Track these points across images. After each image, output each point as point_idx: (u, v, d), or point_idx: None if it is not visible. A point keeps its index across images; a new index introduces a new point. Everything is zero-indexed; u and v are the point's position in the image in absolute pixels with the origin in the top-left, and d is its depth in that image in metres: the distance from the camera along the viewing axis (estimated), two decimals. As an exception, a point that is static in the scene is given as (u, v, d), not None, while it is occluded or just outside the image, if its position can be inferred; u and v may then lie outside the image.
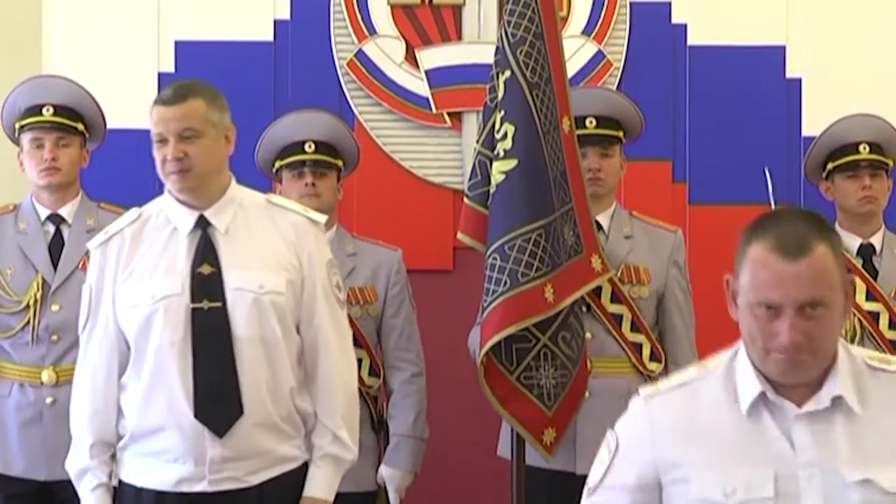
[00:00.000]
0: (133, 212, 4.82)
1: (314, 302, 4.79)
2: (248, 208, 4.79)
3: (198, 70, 6.36)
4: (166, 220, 4.75)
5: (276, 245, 4.76)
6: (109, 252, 4.73)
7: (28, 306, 5.71)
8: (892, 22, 6.82)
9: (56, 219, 5.79)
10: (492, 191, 5.57)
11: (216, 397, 4.60)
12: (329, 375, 4.76)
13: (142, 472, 4.64)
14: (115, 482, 5.05)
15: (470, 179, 5.75)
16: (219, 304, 4.65)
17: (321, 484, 4.70)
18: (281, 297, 4.69)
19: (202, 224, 4.69)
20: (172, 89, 4.72)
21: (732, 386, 3.34)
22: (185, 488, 4.61)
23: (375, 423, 5.77)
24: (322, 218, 4.94)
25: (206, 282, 4.67)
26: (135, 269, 4.69)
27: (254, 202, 4.82)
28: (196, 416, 4.54)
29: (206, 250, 4.70)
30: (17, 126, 5.79)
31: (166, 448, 4.58)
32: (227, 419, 4.60)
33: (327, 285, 4.81)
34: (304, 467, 4.81)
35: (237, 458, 4.64)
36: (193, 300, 4.63)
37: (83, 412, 4.72)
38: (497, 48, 5.67)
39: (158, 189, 5.89)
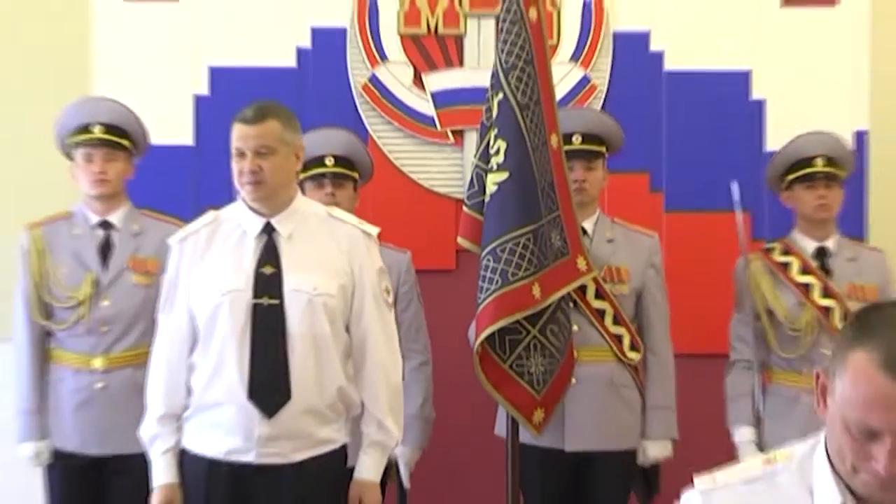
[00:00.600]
0: (210, 214, 4.95)
1: (363, 305, 4.91)
2: (310, 219, 4.91)
3: (229, 93, 6.54)
4: (237, 224, 4.88)
5: (331, 252, 4.88)
6: (186, 248, 4.88)
7: (81, 302, 5.77)
8: (844, 49, 6.73)
9: (105, 225, 5.85)
10: (486, 200, 5.67)
11: (268, 383, 4.73)
12: (375, 370, 4.89)
13: (200, 441, 4.78)
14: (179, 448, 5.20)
15: (468, 190, 5.82)
16: (277, 302, 4.78)
17: (369, 468, 4.86)
18: (332, 300, 4.82)
19: (268, 229, 4.83)
20: (253, 110, 4.83)
21: (808, 488, 2.81)
22: (234, 458, 4.73)
23: None
24: (375, 230, 5.03)
25: (268, 281, 4.80)
26: (207, 265, 4.84)
27: (315, 213, 4.96)
28: (249, 397, 4.68)
29: (269, 253, 4.83)
30: (68, 142, 5.83)
31: (222, 422, 4.72)
32: (275, 403, 4.73)
33: (377, 290, 4.93)
34: (343, 449, 4.91)
35: (282, 437, 4.76)
36: (255, 296, 4.77)
37: (157, 386, 4.86)
38: (492, 73, 5.73)
39: (194, 198, 6.23)
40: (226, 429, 4.74)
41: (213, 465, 4.77)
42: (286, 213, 4.87)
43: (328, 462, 4.86)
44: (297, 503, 4.92)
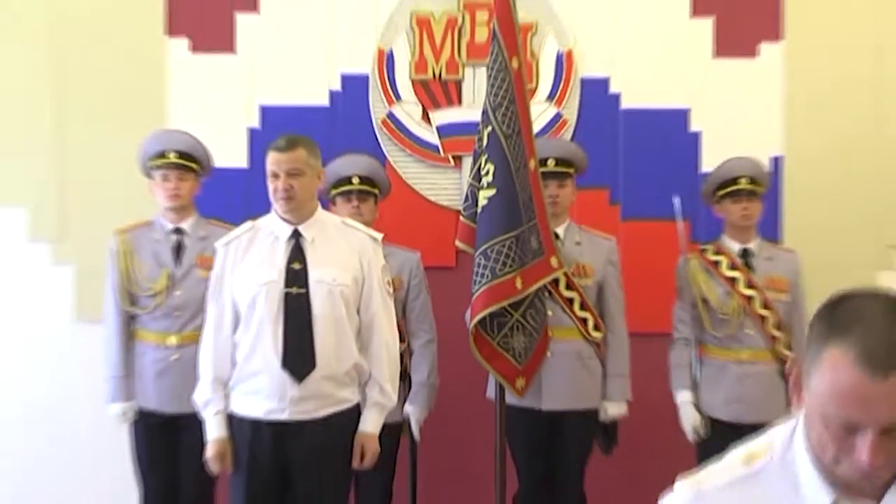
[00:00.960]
0: (248, 223, 5.02)
1: (371, 294, 4.97)
2: (328, 226, 4.98)
3: (276, 125, 6.44)
4: (271, 230, 4.94)
5: (345, 252, 4.95)
6: (230, 250, 4.96)
7: (159, 292, 5.81)
8: (762, 92, 6.61)
9: (178, 231, 5.87)
10: (478, 211, 5.64)
11: (297, 355, 4.80)
12: (380, 346, 4.96)
13: (244, 406, 4.87)
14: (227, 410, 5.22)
15: (464, 203, 5.80)
16: (304, 291, 4.85)
17: (370, 423, 4.92)
18: (347, 289, 4.88)
19: (296, 235, 4.91)
20: (285, 140, 4.89)
21: (793, 484, 2.38)
22: (273, 417, 4.81)
23: (401, 374, 5.55)
24: (379, 236, 5.09)
25: (296, 274, 4.86)
26: (247, 263, 4.91)
27: (333, 222, 5.02)
28: (283, 366, 4.78)
29: (297, 252, 4.90)
30: (149, 165, 5.82)
31: (261, 388, 4.81)
32: (303, 371, 4.81)
33: (381, 282, 4.98)
34: (357, 406, 4.98)
35: (309, 398, 4.83)
36: (286, 286, 4.84)
37: (207, 358, 4.94)
38: (483, 110, 5.71)
39: (247, 209, 6.13)
40: (264, 394, 4.81)
41: (255, 425, 4.84)
42: (310, 222, 4.93)
43: (346, 416, 4.93)
44: (323, 450, 4.94)
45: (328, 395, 4.87)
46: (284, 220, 4.93)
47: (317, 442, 4.94)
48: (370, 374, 4.97)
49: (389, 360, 5.00)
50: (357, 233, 5.04)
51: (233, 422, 4.93)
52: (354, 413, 4.96)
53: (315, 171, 4.96)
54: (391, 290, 5.09)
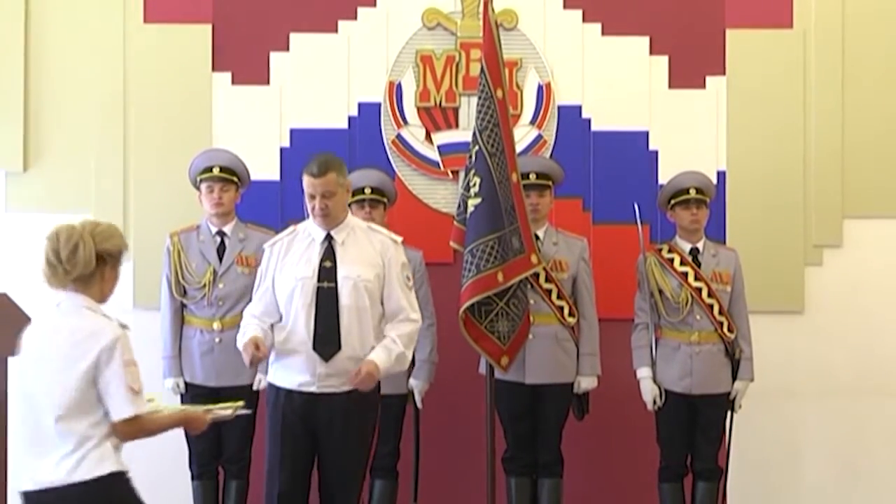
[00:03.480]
0: (291, 228, 5.03)
1: (391, 287, 4.91)
2: (357, 230, 4.96)
3: (304, 145, 6.36)
4: (308, 234, 4.94)
5: (370, 252, 4.92)
6: (274, 250, 4.95)
7: (204, 285, 5.82)
8: (710, 117, 6.55)
9: (221, 233, 5.88)
10: (467, 217, 5.72)
11: (326, 339, 4.80)
12: (405, 321, 4.88)
13: (281, 377, 4.88)
14: (265, 384, 5.27)
15: (457, 210, 5.89)
16: (333, 285, 4.84)
17: (375, 354, 4.78)
18: (370, 283, 4.85)
19: (328, 238, 4.88)
20: (317, 165, 4.85)
21: None
22: (303, 389, 4.82)
23: None
24: (399, 238, 5.05)
25: (327, 271, 4.86)
26: (288, 261, 4.90)
27: (359, 226, 4.99)
28: (313, 348, 4.78)
29: (329, 253, 4.88)
30: (197, 178, 5.84)
31: (294, 364, 4.84)
32: (330, 352, 4.81)
33: (401, 277, 4.94)
34: (378, 384, 4.94)
35: (334, 375, 4.82)
36: (318, 281, 4.84)
37: (253, 313, 4.89)
38: (472, 133, 5.78)
39: (279, 215, 6.20)
40: (297, 369, 4.83)
41: (289, 393, 4.85)
42: (340, 227, 4.90)
43: (366, 392, 4.88)
44: (345, 417, 4.92)
45: (350, 373, 4.86)
46: (319, 226, 4.92)
47: (340, 410, 4.91)
48: (393, 331, 4.92)
49: (408, 331, 4.91)
50: (380, 235, 5.02)
51: (270, 390, 4.96)
52: (375, 388, 4.93)
53: (345, 188, 4.96)
54: (411, 283, 5.04)
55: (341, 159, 5.01)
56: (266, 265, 4.97)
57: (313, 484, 4.97)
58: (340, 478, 4.97)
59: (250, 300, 5.20)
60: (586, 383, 5.91)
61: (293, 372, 4.85)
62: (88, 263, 3.80)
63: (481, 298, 5.67)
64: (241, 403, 4.35)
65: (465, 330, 5.72)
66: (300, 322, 4.82)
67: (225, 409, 4.27)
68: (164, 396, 5.08)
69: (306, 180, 4.85)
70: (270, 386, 4.95)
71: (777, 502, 6.58)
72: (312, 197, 4.85)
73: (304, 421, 4.85)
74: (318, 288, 4.84)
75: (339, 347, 4.81)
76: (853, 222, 6.43)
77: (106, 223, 3.93)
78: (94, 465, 3.79)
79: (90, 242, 3.81)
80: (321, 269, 4.87)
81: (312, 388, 4.84)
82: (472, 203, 5.71)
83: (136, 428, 3.84)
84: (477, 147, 5.74)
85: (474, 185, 5.72)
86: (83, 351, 3.77)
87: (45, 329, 3.86)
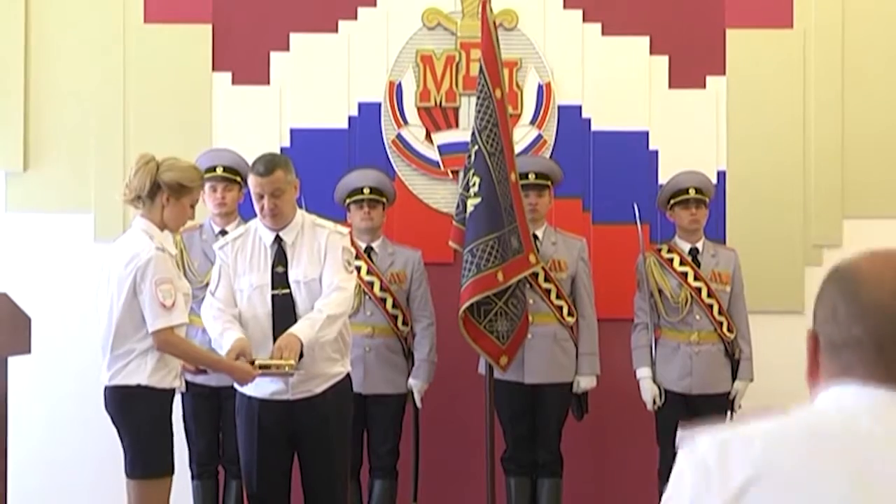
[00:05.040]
0: (242, 228, 5.04)
1: (326, 268, 4.84)
2: (305, 228, 4.92)
3: (304, 146, 6.41)
4: (259, 235, 4.91)
5: (316, 248, 4.88)
6: (225, 253, 4.93)
7: (207, 284, 5.53)
8: (710, 117, 6.56)
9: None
10: (467, 217, 5.76)
11: None
12: (332, 291, 4.77)
13: (251, 388, 4.79)
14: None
15: (456, 210, 5.93)
16: (287, 291, 4.83)
17: (296, 328, 4.69)
18: (317, 281, 4.84)
19: (278, 240, 4.88)
20: (263, 164, 4.84)
21: None
22: (277, 398, 4.80)
23: (406, 352, 5.87)
24: (345, 230, 5.08)
25: (280, 276, 4.84)
26: (240, 265, 4.87)
27: (306, 223, 4.94)
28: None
29: (280, 256, 4.87)
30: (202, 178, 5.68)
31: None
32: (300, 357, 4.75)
33: (338, 259, 4.87)
34: (348, 376, 4.97)
35: (306, 379, 4.81)
36: (273, 288, 4.83)
37: (212, 307, 4.88)
38: (471, 133, 5.84)
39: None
40: (268, 379, 4.75)
41: (263, 402, 4.82)
42: (289, 228, 4.89)
43: (340, 387, 4.91)
44: (321, 418, 4.91)
45: (323, 374, 4.84)
46: (267, 227, 4.89)
47: (318, 414, 4.91)
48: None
49: (336, 297, 4.80)
50: (325, 230, 4.97)
51: (242, 401, 4.89)
52: (347, 382, 4.96)
53: (293, 185, 4.93)
54: (350, 267, 4.98)
55: (287, 157, 5.08)
56: (219, 269, 4.92)
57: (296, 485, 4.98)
58: (324, 480, 4.97)
59: None
60: (585, 383, 5.90)
61: (265, 381, 4.76)
62: (142, 188, 4.50)
63: (481, 298, 5.68)
64: (291, 362, 4.57)
65: (464, 329, 5.72)
66: (262, 333, 4.79)
67: (279, 365, 4.55)
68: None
69: (253, 180, 4.83)
70: (240, 395, 4.89)
71: None
72: (261, 196, 4.81)
73: (282, 427, 4.83)
74: (274, 296, 4.82)
75: (302, 355, 4.72)
76: (853, 222, 6.41)
77: (186, 161, 4.73)
78: (128, 375, 4.53)
79: (152, 169, 4.52)
80: (274, 274, 4.84)
81: (287, 396, 4.81)
82: (472, 203, 5.73)
83: (165, 341, 4.50)
84: (476, 147, 5.76)
85: (474, 184, 5.74)
86: (128, 271, 4.45)
87: (114, 248, 4.62)
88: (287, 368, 4.55)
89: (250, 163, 5.74)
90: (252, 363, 4.64)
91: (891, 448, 1.73)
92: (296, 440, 4.87)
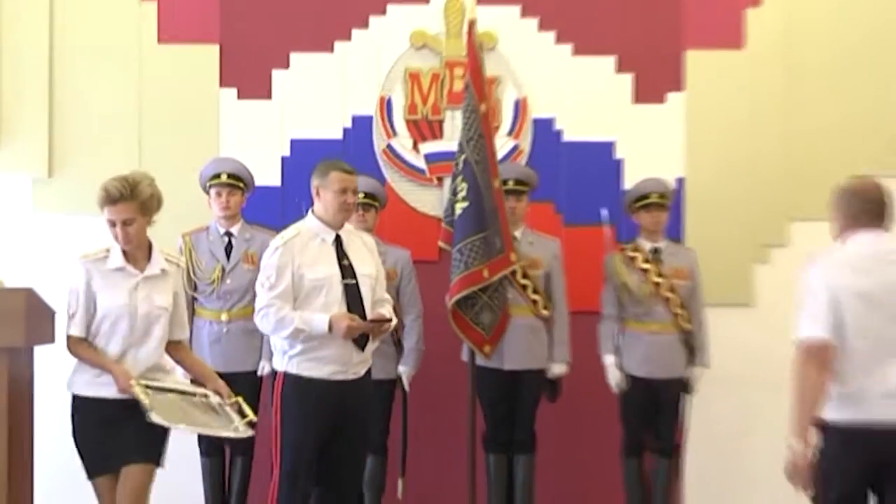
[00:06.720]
0: (293, 228, 4.85)
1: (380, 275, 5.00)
2: (351, 232, 4.93)
3: (303, 154, 6.38)
4: (316, 233, 4.80)
5: (364, 251, 4.91)
6: (288, 249, 4.75)
7: (213, 281, 5.81)
8: (670, 129, 6.53)
9: (228, 234, 5.88)
10: (455, 219, 5.77)
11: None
12: (384, 301, 4.97)
13: (310, 368, 4.72)
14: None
15: (444, 213, 5.96)
16: (354, 282, 4.79)
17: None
18: (374, 280, 4.89)
19: (338, 238, 4.82)
20: (347, 165, 4.87)
21: None
22: (336, 378, 4.73)
23: (396, 341, 5.84)
24: (371, 239, 5.08)
25: (347, 269, 4.80)
26: (307, 258, 4.75)
27: (348, 229, 4.94)
28: (353, 340, 4.74)
29: (341, 251, 4.81)
30: (207, 184, 5.87)
31: (327, 356, 4.71)
32: (363, 343, 4.79)
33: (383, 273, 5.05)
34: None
35: (363, 361, 4.83)
36: (343, 278, 4.77)
37: (281, 304, 4.68)
38: (458, 143, 5.86)
39: (281, 217, 6.06)
40: (329, 359, 4.71)
41: (321, 383, 4.73)
42: (344, 229, 4.87)
43: (369, 371, 4.95)
44: (367, 400, 4.93)
45: (367, 359, 4.88)
46: (329, 226, 4.83)
47: (364, 394, 4.94)
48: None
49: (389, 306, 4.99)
50: (364, 235, 5.04)
51: (301, 382, 4.76)
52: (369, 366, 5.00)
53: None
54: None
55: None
56: (277, 269, 4.75)
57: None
58: (356, 455, 4.97)
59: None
60: (558, 369, 5.92)
61: (324, 363, 4.74)
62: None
63: (469, 293, 5.71)
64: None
65: (453, 321, 5.76)
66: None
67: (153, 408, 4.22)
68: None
69: (340, 177, 4.80)
70: (295, 377, 4.77)
71: (728, 476, 6.55)
72: (344, 191, 4.78)
73: (333, 406, 4.76)
74: (346, 285, 4.78)
75: (368, 339, 4.81)
76: (797, 224, 6.43)
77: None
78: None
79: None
80: (342, 267, 4.80)
81: (344, 377, 4.77)
82: (460, 206, 5.76)
83: (68, 348, 4.40)
84: (464, 156, 5.80)
85: (461, 190, 5.78)
86: None
87: None
88: (144, 399, 4.23)
89: (252, 170, 5.94)
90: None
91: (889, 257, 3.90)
92: (339, 421, 4.80)
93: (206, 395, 4.47)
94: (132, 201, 4.31)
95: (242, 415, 4.48)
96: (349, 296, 4.78)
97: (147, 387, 4.27)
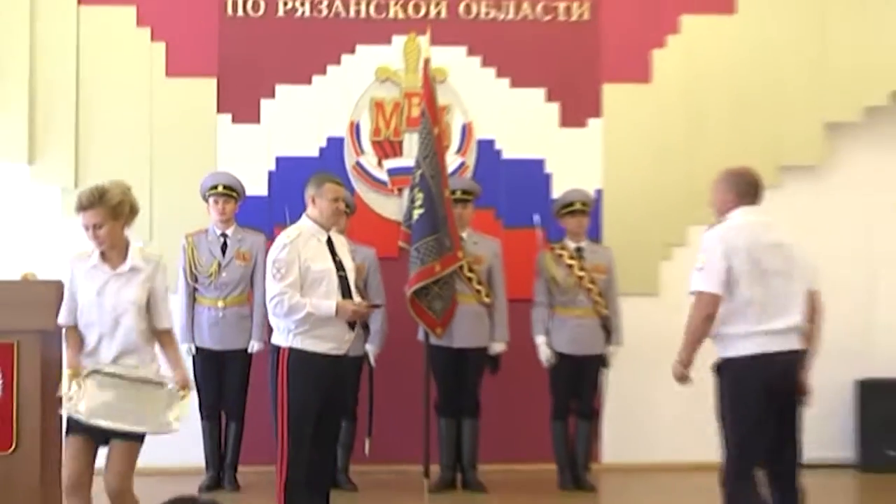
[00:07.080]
0: (295, 229, 4.85)
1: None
2: (335, 234, 4.97)
3: (286, 170, 6.63)
4: (312, 234, 4.82)
5: (345, 249, 4.97)
6: (296, 247, 4.76)
7: (211, 274, 6.09)
8: (591, 149, 6.81)
9: (224, 235, 6.16)
10: (413, 223, 6.02)
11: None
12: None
13: (311, 344, 4.74)
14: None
15: (404, 217, 6.21)
16: (344, 274, 4.84)
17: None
18: (353, 272, 4.97)
19: (329, 238, 4.87)
20: (344, 189, 5.00)
21: None
22: (332, 353, 4.78)
23: (364, 324, 5.86)
24: (345, 239, 5.11)
25: (338, 263, 4.84)
26: (308, 253, 4.77)
27: (333, 231, 4.96)
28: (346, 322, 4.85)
29: (332, 249, 4.86)
30: (206, 193, 6.12)
31: (326, 335, 4.76)
32: (353, 323, 4.87)
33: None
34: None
35: (350, 340, 4.92)
36: (337, 271, 4.82)
37: (291, 293, 4.72)
38: (416, 160, 6.10)
39: (268, 220, 6.38)
40: (328, 338, 4.77)
41: (320, 357, 4.77)
42: (333, 231, 4.94)
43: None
44: (353, 374, 5.43)
45: (353, 338, 4.99)
46: (321, 227, 4.86)
47: (352, 367, 5.36)
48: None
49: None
50: (341, 237, 5.10)
51: (302, 356, 4.76)
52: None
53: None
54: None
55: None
56: (287, 264, 4.73)
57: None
58: (338, 420, 5.08)
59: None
60: (498, 347, 6.21)
61: (324, 340, 4.75)
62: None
63: (424, 284, 5.94)
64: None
65: (410, 308, 6.00)
66: (333, 300, 4.80)
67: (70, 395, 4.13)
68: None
69: (334, 187, 4.82)
70: (300, 351, 4.74)
71: (639, 437, 6.85)
72: (336, 200, 4.83)
73: (330, 378, 4.79)
74: (339, 276, 4.82)
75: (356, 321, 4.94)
76: (694, 227, 6.52)
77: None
78: None
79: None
80: (335, 262, 4.84)
81: (338, 352, 4.82)
82: (417, 212, 6.00)
83: None
84: (420, 171, 6.03)
85: (418, 199, 6.01)
86: None
87: None
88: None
89: (243, 182, 6.16)
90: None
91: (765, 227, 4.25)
92: (330, 391, 4.82)
93: (163, 385, 4.26)
94: (100, 207, 4.18)
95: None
96: (342, 285, 4.82)
97: (108, 374, 4.14)
